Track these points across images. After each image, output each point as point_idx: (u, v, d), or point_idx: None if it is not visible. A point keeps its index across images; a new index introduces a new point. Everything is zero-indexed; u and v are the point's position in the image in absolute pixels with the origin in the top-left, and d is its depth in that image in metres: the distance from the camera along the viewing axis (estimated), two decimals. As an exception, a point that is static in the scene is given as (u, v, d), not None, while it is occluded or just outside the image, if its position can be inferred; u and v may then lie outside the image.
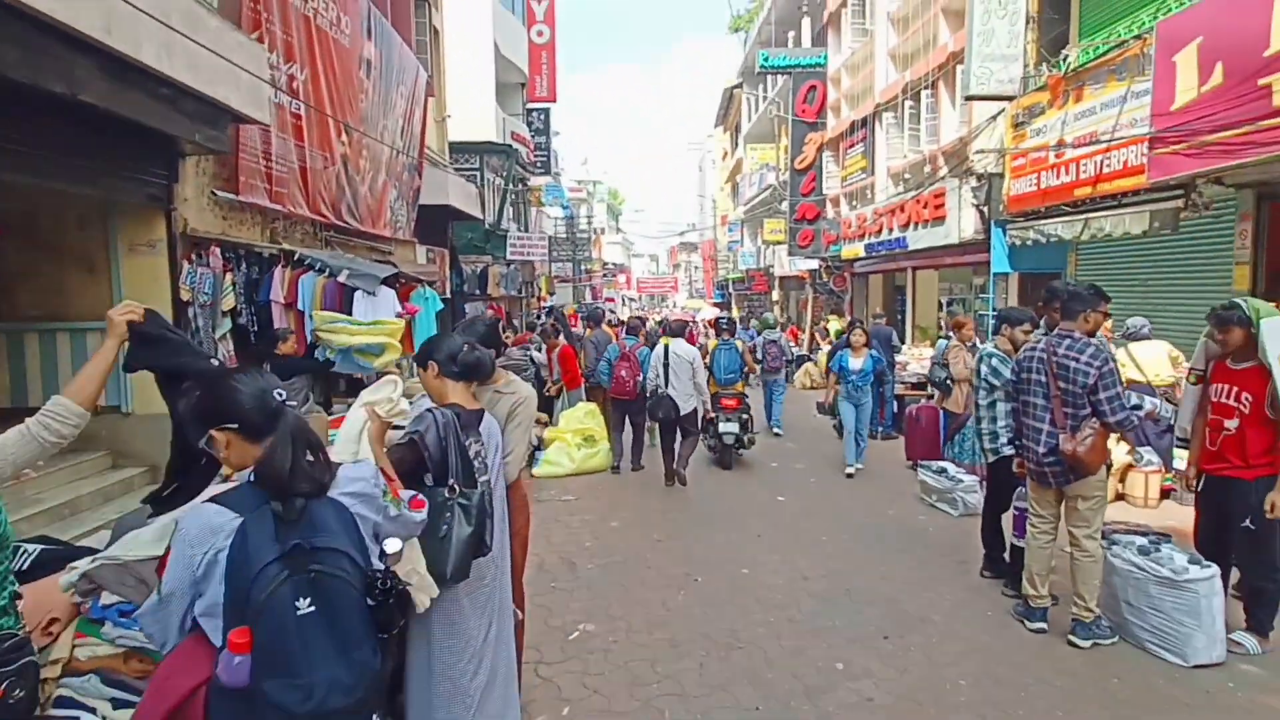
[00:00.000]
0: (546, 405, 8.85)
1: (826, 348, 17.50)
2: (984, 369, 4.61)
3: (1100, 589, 3.75)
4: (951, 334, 7.77)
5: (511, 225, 20.17)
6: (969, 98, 11.07)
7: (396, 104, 10.93)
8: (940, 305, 16.43)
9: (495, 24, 20.64)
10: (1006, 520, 4.79)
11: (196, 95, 5.65)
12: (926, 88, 14.17)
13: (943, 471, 6.59)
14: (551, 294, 27.17)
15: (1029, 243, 10.56)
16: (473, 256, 17.14)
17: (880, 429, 10.06)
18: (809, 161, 20.79)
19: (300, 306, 6.53)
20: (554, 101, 27.14)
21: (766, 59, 20.66)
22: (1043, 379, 3.75)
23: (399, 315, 7.08)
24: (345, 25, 8.94)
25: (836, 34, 19.92)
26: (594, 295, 35.36)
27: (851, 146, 18.61)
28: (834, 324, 19.70)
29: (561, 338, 9.07)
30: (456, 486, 2.40)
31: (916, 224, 14.17)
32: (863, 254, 17.31)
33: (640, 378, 7.73)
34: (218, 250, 6.43)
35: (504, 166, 17.82)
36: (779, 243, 23.56)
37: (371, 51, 9.77)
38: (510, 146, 17.81)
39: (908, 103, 15.07)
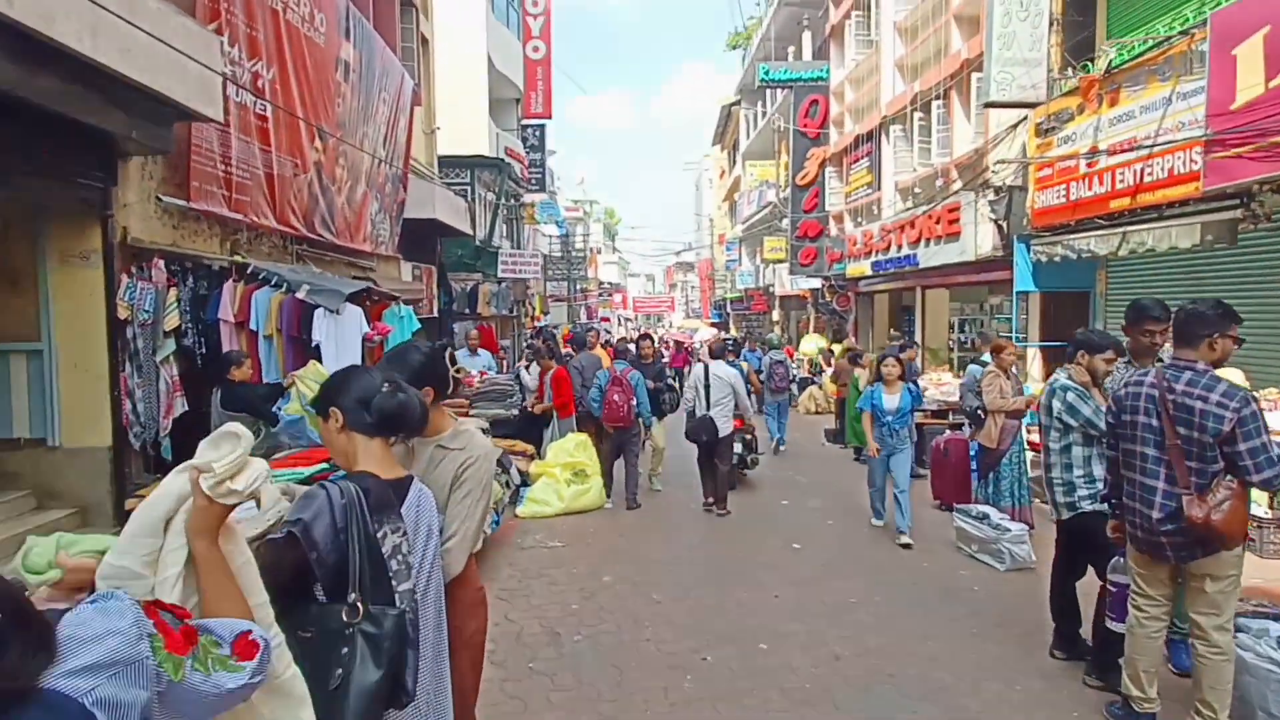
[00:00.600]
0: (535, 435, 8.02)
1: (831, 370, 16.76)
2: (1056, 405, 3.81)
3: (1231, 694, 2.93)
4: (989, 358, 6.99)
5: (504, 243, 19.44)
6: (988, 104, 10.40)
7: (379, 110, 10.22)
8: (951, 326, 15.72)
9: (489, 37, 20.09)
10: (1078, 586, 3.99)
11: (132, 85, 4.90)
12: (937, 98, 13.55)
13: (984, 518, 5.78)
14: (545, 313, 26.40)
15: (1056, 259, 9.84)
16: (462, 274, 16.39)
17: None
18: (811, 177, 20.18)
19: (254, 325, 5.74)
20: (549, 118, 26.61)
21: (767, 73, 20.12)
22: (1154, 423, 2.95)
23: (366, 336, 6.29)
24: (320, 23, 8.23)
25: (839, 47, 19.39)
26: (589, 315, 34.63)
27: (856, 161, 18.00)
28: (810, 341, 19.02)
29: (554, 359, 8.28)
30: (360, 605, 1.60)
31: (928, 240, 13.49)
32: (869, 272, 16.61)
33: (634, 403, 7.33)
34: (161, 263, 5.64)
35: (496, 182, 17.14)
36: (780, 261, 22.90)
37: (350, 53, 9.06)
38: (502, 160, 17.15)
39: (917, 114, 14.45)
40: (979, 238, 11.98)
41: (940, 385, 10.34)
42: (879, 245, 15.86)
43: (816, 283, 20.76)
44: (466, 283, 16.07)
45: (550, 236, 33.13)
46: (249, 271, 5.86)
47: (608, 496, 7.45)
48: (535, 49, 25.48)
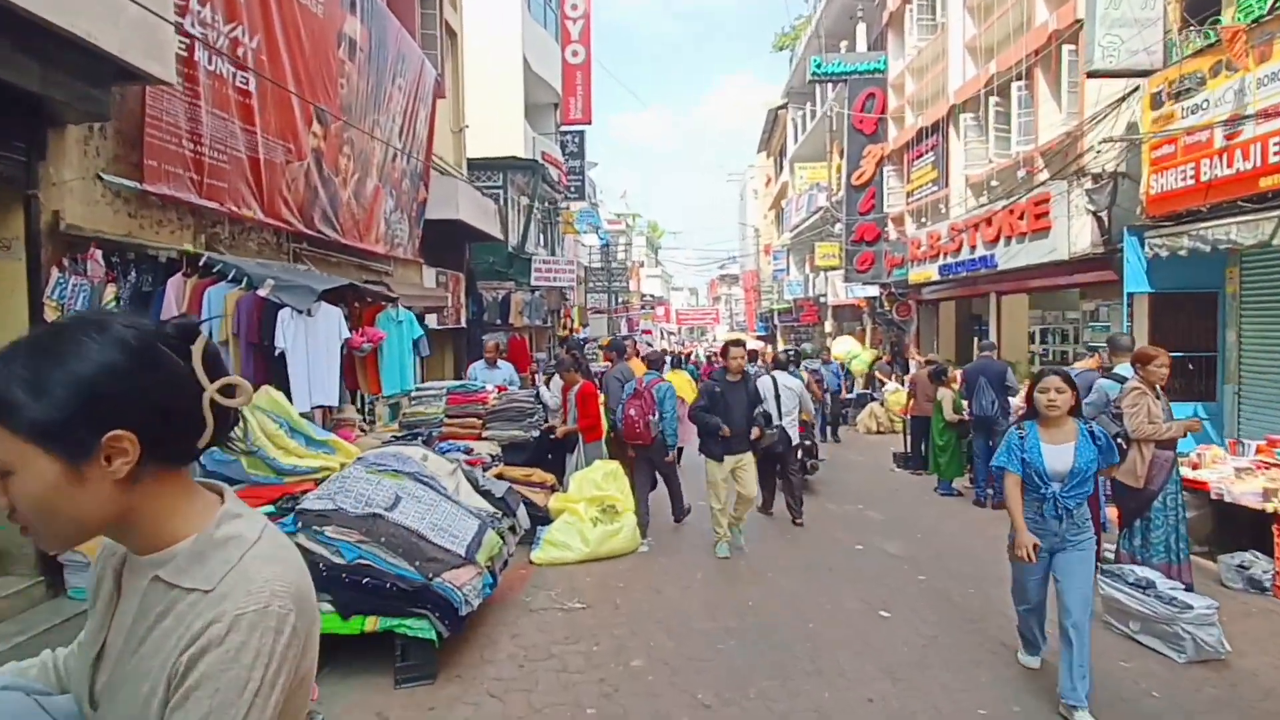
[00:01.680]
0: (557, 463, 6.79)
1: (894, 385, 15.20)
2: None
3: None
4: (1126, 369, 5.50)
5: (540, 251, 18.43)
6: (1092, 74, 8.90)
7: (392, 98, 9.22)
8: (1032, 336, 14.03)
9: (525, 38, 19.24)
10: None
11: (44, 27, 3.88)
12: (1018, 78, 12.02)
13: (1148, 586, 4.30)
14: (584, 325, 25.36)
15: (1182, 253, 8.23)
16: (494, 282, 15.38)
17: (996, 495, 7.74)
18: (868, 177, 18.69)
19: (203, 330, 4.63)
20: (589, 124, 25.75)
21: (819, 65, 18.76)
22: None
23: (349, 343, 5.16)
24: (318, -10, 7.25)
25: (899, 35, 17.94)
26: (630, 327, 33.48)
27: (919, 157, 16.48)
28: (841, 344, 17.48)
29: (580, 373, 7.07)
30: None
31: (1008, 238, 11.92)
32: (935, 277, 15.04)
33: (653, 418, 6.49)
34: (98, 253, 4.60)
35: (530, 185, 16.13)
36: (832, 268, 21.39)
37: (356, 29, 8.06)
38: (535, 162, 16.15)
39: (993, 99, 12.92)
40: (1073, 233, 10.40)
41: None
42: (947, 247, 14.30)
43: (874, 291, 19.20)
44: (498, 291, 15.05)
45: (590, 247, 32.17)
46: (201, 263, 4.78)
47: (643, 537, 6.16)
48: (574, 53, 24.68)
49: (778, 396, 7.30)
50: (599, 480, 5.89)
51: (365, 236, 8.80)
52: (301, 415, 4.63)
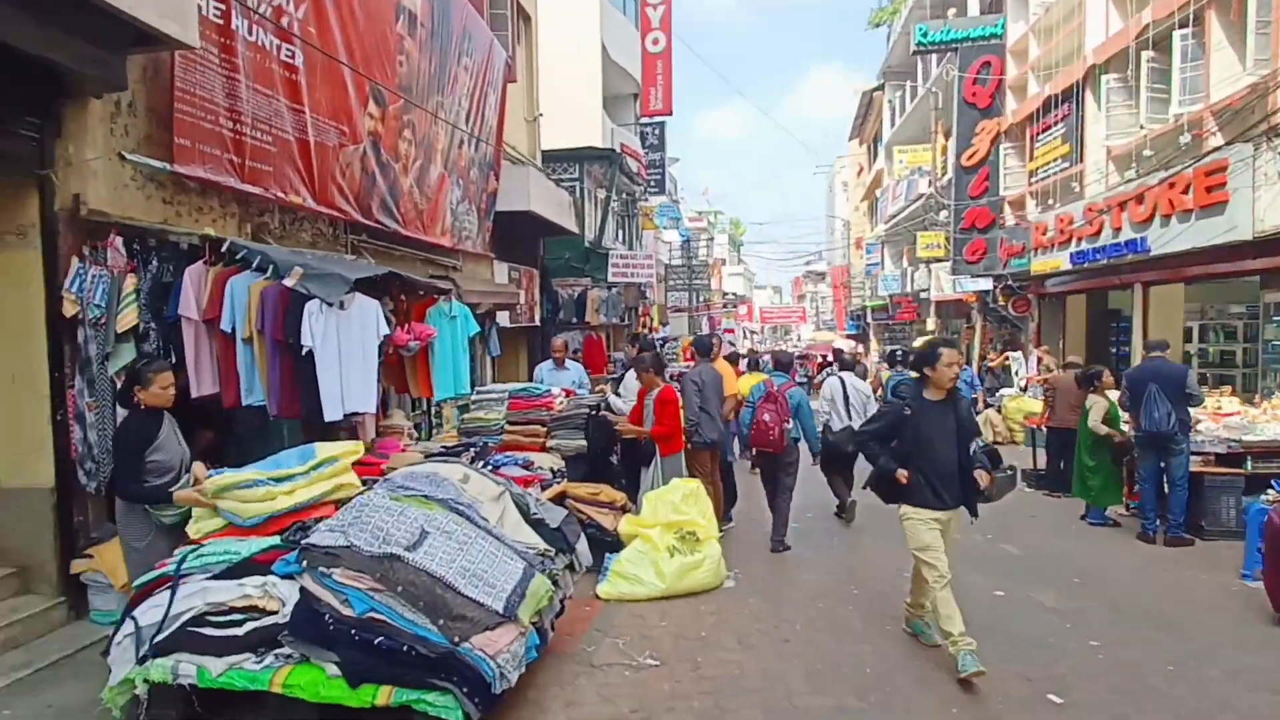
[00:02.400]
0: (630, 479, 5.85)
1: (1021, 387, 13.51)
2: None
3: None
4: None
5: (618, 246, 17.63)
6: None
7: (458, 79, 8.56)
8: (1188, 334, 12.07)
9: (604, 23, 18.50)
10: None
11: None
12: (1182, 26, 10.20)
13: None
14: (664, 324, 24.43)
15: None
16: (570, 279, 14.68)
17: (1170, 528, 6.27)
18: (980, 155, 16.89)
19: (225, 325, 3.98)
20: (669, 115, 24.81)
21: (925, 34, 17.10)
22: None
23: (392, 341, 4.41)
24: (373, -44, 6.62)
25: (1018, -4, 16.11)
26: (712, 326, 32.30)
27: (1045, 130, 14.64)
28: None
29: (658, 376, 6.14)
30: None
31: (1165, 218, 10.15)
32: (1065, 267, 13.23)
33: (787, 425, 6.17)
34: (119, 241, 4.03)
35: (607, 176, 15.34)
36: (937, 259, 19.60)
37: (417, 2, 7.41)
38: (613, 151, 15.34)
39: (1146, 55, 11.10)
40: (1260, 207, 8.62)
41: (1222, 415, 7.15)
42: (1082, 231, 12.50)
43: (986, 284, 17.35)
44: (573, 288, 14.33)
45: (670, 244, 31.23)
46: (224, 249, 4.13)
47: (727, 573, 5.12)
48: (655, 41, 23.81)
49: (847, 400, 7.28)
50: (677, 502, 4.92)
51: (430, 228, 8.18)
52: (330, 423, 3.89)
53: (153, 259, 4.19)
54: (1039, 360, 15.25)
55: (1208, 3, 9.80)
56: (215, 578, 2.69)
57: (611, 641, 4.18)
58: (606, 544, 5.03)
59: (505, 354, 11.48)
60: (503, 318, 10.75)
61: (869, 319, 31.96)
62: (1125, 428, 6.89)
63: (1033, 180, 15.45)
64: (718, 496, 5.90)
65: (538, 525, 3.43)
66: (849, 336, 32.73)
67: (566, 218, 12.32)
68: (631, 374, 6.14)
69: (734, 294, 48.56)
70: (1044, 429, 8.67)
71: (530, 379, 10.20)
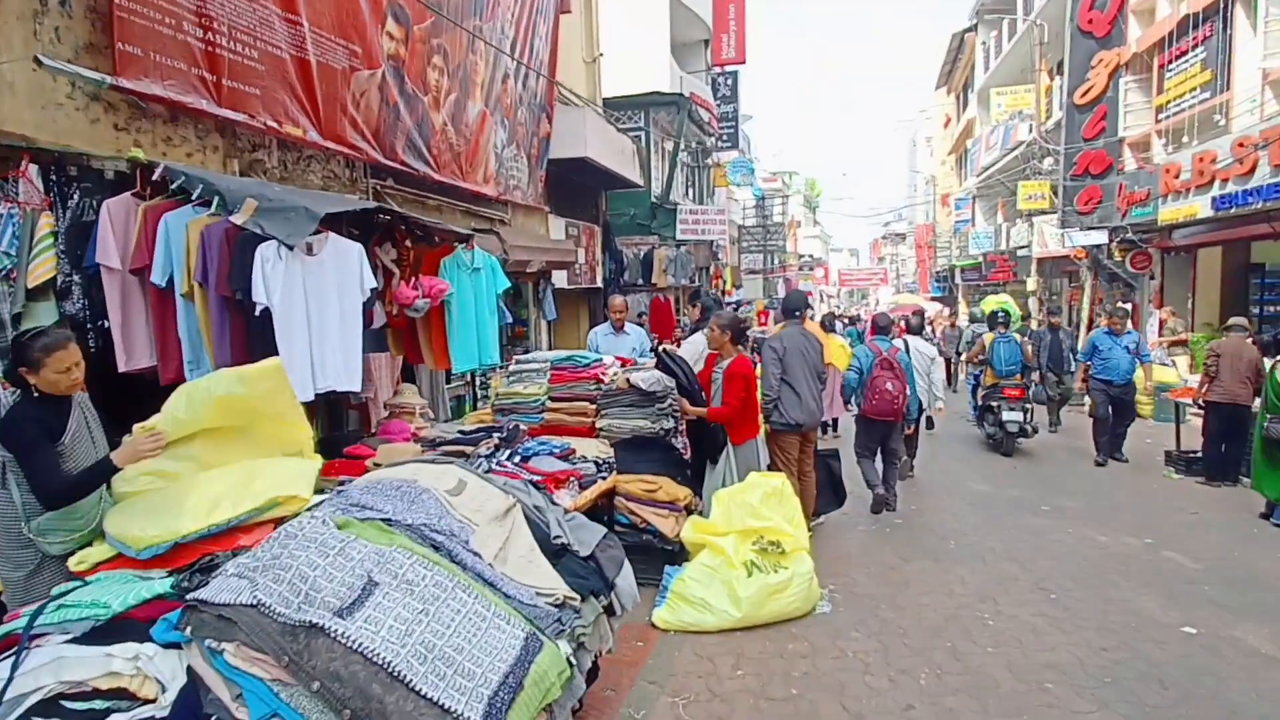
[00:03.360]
0: (695, 469, 4.82)
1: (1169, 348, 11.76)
2: None
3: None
4: None
5: (687, 202, 16.42)
6: None
7: (500, 1, 7.54)
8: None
9: (670, -40, 17.09)
10: None
11: None
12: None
13: None
14: (738, 286, 23.12)
15: None
16: (635, 238, 13.63)
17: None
18: (1098, 92, 14.78)
19: (157, 276, 3.14)
20: (743, 63, 23.18)
21: (1035, -45, 14.98)
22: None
23: (375, 296, 3.51)
24: None
25: (1149, -99, 13.82)
26: (788, 289, 30.69)
27: (1179, 56, 12.54)
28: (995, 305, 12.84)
29: (734, 344, 5.06)
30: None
31: (1350, 149, 8.28)
32: (1204, 214, 11.30)
33: (909, 391, 6.18)
34: (32, 170, 3.23)
35: (675, 124, 14.10)
36: (1041, 211, 17.56)
37: (449, -95, 6.40)
38: (681, 96, 14.05)
39: (1324, -48, 9.07)
40: None
41: None
42: (1229, 171, 10.58)
43: (1100, 237, 15.34)
44: (639, 247, 13.28)
45: (743, 204, 29.64)
46: (156, 177, 3.27)
47: (821, 593, 4.09)
48: (727, -19, 22.14)
49: (909, 364, 7.04)
50: (755, 504, 3.89)
51: (469, 174, 7.27)
52: (306, 404, 3.03)
53: (73, 192, 3.36)
54: (1161, 323, 13.39)
55: None
56: (76, 641, 1.84)
57: (668, 703, 3.19)
58: (667, 554, 4.09)
59: (563, 318, 10.61)
60: (559, 278, 9.86)
61: (957, 279, 29.67)
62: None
63: (1161, 117, 13.36)
64: (808, 494, 4.86)
65: (560, 555, 2.47)
66: (933, 299, 30.50)
67: (630, 168, 11.23)
68: (694, 339, 5.09)
69: (810, 256, 46.44)
70: (1200, 404, 7.18)
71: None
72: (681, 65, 19.10)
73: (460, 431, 3.94)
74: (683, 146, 14.81)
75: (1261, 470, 5.70)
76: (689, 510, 4.35)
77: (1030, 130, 19.17)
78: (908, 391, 6.02)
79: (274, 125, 4.60)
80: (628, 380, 4.73)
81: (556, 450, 3.90)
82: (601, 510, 4.06)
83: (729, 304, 20.93)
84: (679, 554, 4.10)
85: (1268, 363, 5.53)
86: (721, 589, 3.72)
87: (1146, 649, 3.44)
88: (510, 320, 8.23)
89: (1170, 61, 12.97)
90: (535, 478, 3.50)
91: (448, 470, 2.57)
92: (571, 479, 3.52)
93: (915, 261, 44.42)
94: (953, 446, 9.39)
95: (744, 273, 26.55)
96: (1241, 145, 10.33)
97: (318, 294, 3.07)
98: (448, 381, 6.77)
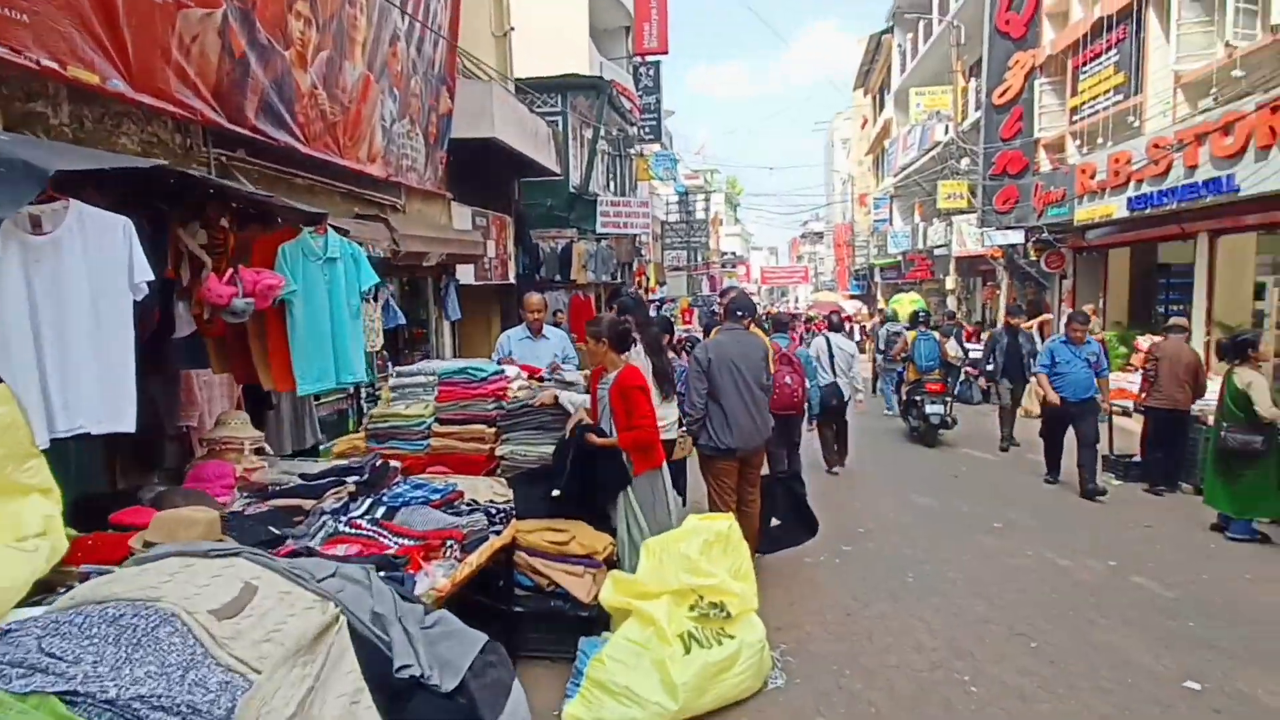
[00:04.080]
0: (603, 505, 3.95)
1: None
2: None
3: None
4: None
5: (609, 194, 15.58)
6: None
7: (387, -52, 6.48)
8: (1259, 290, 10.31)
9: (589, -61, 16.21)
10: None
11: None
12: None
13: None
14: (661, 283, 22.46)
15: None
16: (552, 230, 12.69)
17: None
18: (1015, 92, 14.87)
19: None
20: (665, 53, 22.60)
21: (955, -48, 14.93)
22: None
23: (154, 291, 2.52)
24: None
25: (1063, -96, 13.95)
26: (712, 286, 30.35)
27: (1092, 59, 12.66)
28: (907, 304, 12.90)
29: (635, 350, 4.24)
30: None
31: (1264, 150, 8.30)
32: (1121, 213, 11.38)
33: (807, 385, 6.04)
34: None
35: (594, 110, 13.24)
36: (960, 210, 17.69)
37: None
38: (601, 79, 13.21)
39: (1239, -46, 9.10)
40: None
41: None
42: (1144, 171, 10.64)
43: (1018, 237, 15.50)
44: (557, 241, 12.35)
45: (666, 200, 29.07)
46: None
47: (772, 662, 3.34)
48: (647, -31, 21.46)
49: (832, 358, 7.81)
50: (694, 555, 3.10)
51: (350, 150, 6.20)
52: (43, 450, 2.02)
53: None
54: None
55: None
56: None
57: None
58: (582, 623, 3.24)
59: (471, 319, 9.59)
60: (465, 273, 8.84)
61: (876, 278, 30.10)
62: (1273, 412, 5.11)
63: (1075, 118, 13.52)
64: (749, 530, 4.12)
65: (409, 695, 1.60)
66: (852, 297, 30.87)
67: (544, 153, 10.30)
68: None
69: (733, 254, 46.52)
70: (1140, 409, 6.92)
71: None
72: (602, 51, 18.26)
73: (303, 477, 2.97)
74: (603, 134, 13.96)
75: (1214, 483, 5.37)
76: (609, 563, 3.52)
77: (947, 131, 19.37)
78: (806, 384, 5.94)
79: (53, 66, 3.46)
80: (554, 397, 3.85)
81: (436, 496, 2.99)
82: (497, 569, 3.18)
83: (652, 302, 20.27)
84: (597, 620, 3.27)
85: (1252, 377, 5.17)
86: (652, 672, 2.90)
87: (1152, 714, 2.84)
88: (403, 322, 7.24)
89: (1084, 64, 13.10)
90: (401, 542, 2.59)
91: (227, 571, 1.64)
92: (449, 543, 2.62)
93: (834, 260, 45.17)
94: (881, 444, 9.58)
95: (667, 270, 25.98)
96: (1157, 146, 10.38)
97: (53, 291, 2.06)
98: (319, 396, 5.67)
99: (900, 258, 25.17)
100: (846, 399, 7.81)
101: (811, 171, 66.27)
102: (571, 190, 13.18)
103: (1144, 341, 11.94)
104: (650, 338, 4.40)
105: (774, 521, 4.64)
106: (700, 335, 9.79)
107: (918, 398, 9.42)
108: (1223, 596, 4.26)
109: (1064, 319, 7.24)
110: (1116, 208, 11.53)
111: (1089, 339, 6.88)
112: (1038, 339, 10.24)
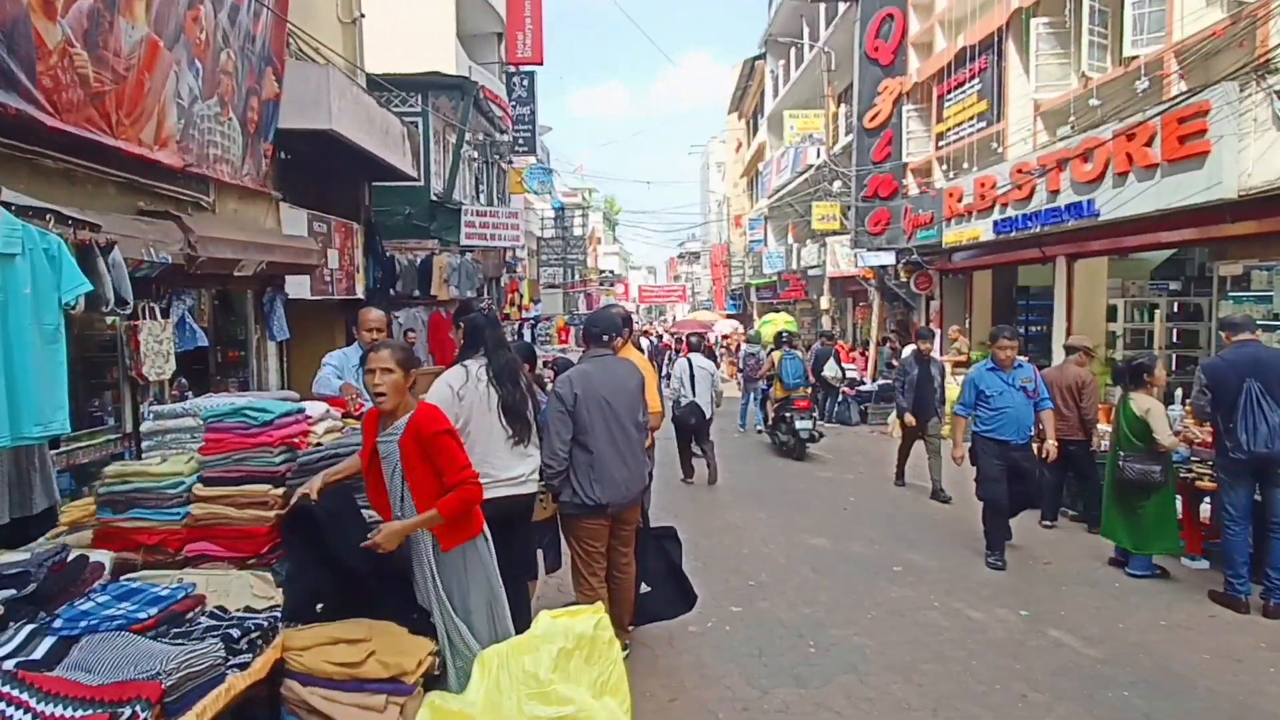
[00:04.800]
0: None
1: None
2: None
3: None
4: None
5: (474, 204, 14.48)
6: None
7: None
8: (1111, 313, 10.81)
9: (456, -66, 15.20)
10: None
11: None
12: (1140, -49, 8.62)
13: None
14: (536, 301, 21.47)
15: None
16: (411, 241, 11.49)
17: (1275, 591, 4.35)
18: (884, 117, 15.24)
19: None
20: (540, 64, 21.89)
21: (826, -23, 15.18)
22: None
23: None
24: None
25: (925, -61, 14.49)
26: (589, 305, 29.67)
27: (958, 86, 13.07)
28: (771, 325, 13.50)
29: (447, 380, 3.34)
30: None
31: (1121, 175, 8.60)
32: (987, 236, 11.68)
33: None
34: None
35: (459, 111, 12.18)
36: (834, 232, 17.97)
37: None
38: (467, 80, 12.20)
39: (1087, -9, 9.50)
40: (1246, 160, 7.10)
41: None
42: (1009, 196, 10.95)
43: (889, 258, 15.82)
44: (415, 253, 11.16)
45: (542, 215, 28.17)
46: None
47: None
48: (522, -25, 20.70)
49: (692, 376, 8.18)
50: (543, 673, 2.19)
51: (127, 128, 4.91)
52: None
53: None
54: (950, 342, 13.89)
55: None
56: None
57: None
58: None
59: (307, 339, 8.22)
60: (297, 286, 7.55)
61: (752, 298, 30.51)
62: (1172, 440, 4.93)
63: (940, 144, 13.96)
64: (622, 600, 3.30)
65: None
66: (729, 316, 31.15)
67: (397, 154, 9.16)
68: (441, 382, 3.27)
69: (611, 272, 46.17)
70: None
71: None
72: (472, 55, 17.22)
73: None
74: (468, 139, 12.91)
75: (1112, 515, 5.13)
76: (431, 675, 2.56)
77: (819, 154, 19.78)
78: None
79: None
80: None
81: (151, 611, 1.94)
82: (259, 702, 2.15)
83: (525, 320, 19.26)
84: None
85: (1150, 404, 4.94)
86: None
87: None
88: (203, 344, 5.93)
89: (949, 91, 13.54)
90: (51, 712, 1.55)
91: None
92: (133, 706, 1.59)
93: (711, 280, 45.82)
94: (754, 464, 9.72)
95: (543, 287, 25.03)
96: (1020, 171, 10.69)
97: None
98: (80, 426, 4.27)
99: (775, 278, 25.57)
100: (708, 417, 8.21)
101: (689, 191, 67.65)
102: (433, 198, 12.03)
103: (1009, 360, 12.42)
104: (502, 364, 3.51)
105: (644, 587, 3.83)
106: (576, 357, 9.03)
107: (787, 414, 9.92)
108: (1149, 655, 3.87)
109: (989, 339, 5.84)
110: (983, 231, 11.84)
111: (1018, 360, 5.54)
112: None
